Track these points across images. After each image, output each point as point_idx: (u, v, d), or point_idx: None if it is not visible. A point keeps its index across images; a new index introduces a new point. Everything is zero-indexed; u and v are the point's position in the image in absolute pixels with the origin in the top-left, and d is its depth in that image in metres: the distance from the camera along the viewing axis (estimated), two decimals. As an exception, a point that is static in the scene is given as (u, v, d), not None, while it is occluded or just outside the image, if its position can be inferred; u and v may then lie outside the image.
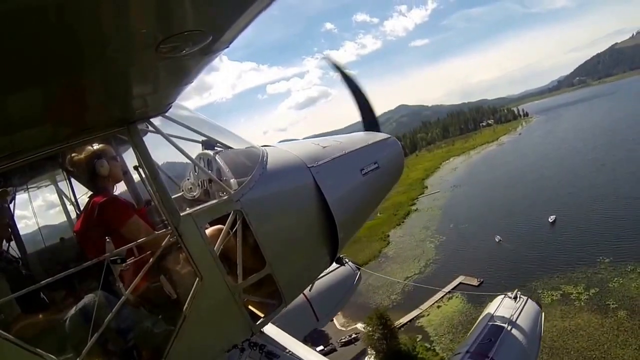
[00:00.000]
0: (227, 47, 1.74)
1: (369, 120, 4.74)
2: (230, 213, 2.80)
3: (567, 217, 40.29)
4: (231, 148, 3.29)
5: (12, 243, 3.10)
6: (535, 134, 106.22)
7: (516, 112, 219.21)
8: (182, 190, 3.42)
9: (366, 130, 4.62)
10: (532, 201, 48.15)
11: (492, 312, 5.28)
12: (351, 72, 4.87)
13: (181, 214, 2.56)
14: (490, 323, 5.03)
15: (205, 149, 3.31)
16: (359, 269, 6.76)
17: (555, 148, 71.53)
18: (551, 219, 40.14)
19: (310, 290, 5.31)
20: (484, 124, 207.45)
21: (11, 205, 3.19)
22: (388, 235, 59.92)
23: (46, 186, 3.72)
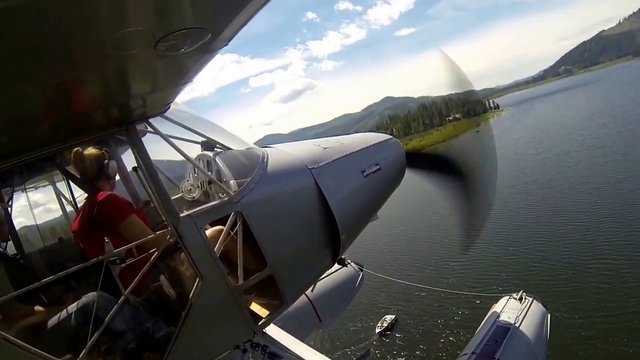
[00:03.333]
0: (226, 44, 1.72)
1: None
2: (230, 214, 2.79)
3: (417, 319, 14.72)
4: (231, 149, 3.28)
5: (10, 243, 3.12)
6: (493, 132, 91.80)
7: (488, 104, 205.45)
8: (182, 192, 3.41)
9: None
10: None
11: (497, 313, 5.24)
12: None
13: (181, 215, 2.55)
14: (496, 324, 4.99)
15: (205, 150, 3.31)
16: (361, 269, 6.72)
17: (499, 156, 46.41)
18: (382, 325, 14.72)
19: (312, 291, 5.30)
20: (450, 118, 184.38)
21: (9, 205, 3.20)
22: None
23: (44, 186, 3.73)
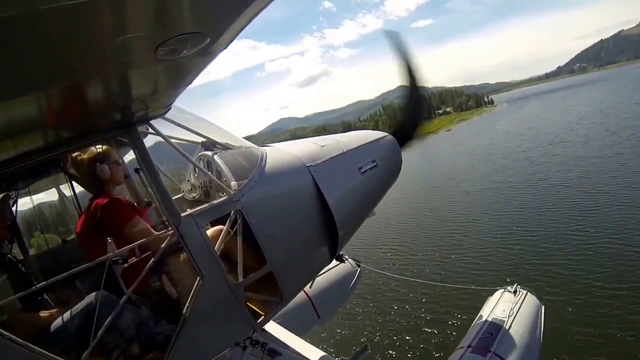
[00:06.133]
0: (225, 48, 1.76)
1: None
2: (230, 213, 2.83)
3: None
4: (230, 149, 3.32)
5: (15, 245, 3.14)
6: (459, 134, 71.93)
7: (482, 99, 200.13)
8: (183, 191, 3.44)
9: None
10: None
11: (492, 307, 5.33)
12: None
13: (182, 215, 2.59)
14: (491, 317, 5.08)
15: (205, 150, 3.34)
16: (359, 265, 6.80)
17: (426, 176, 33.53)
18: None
19: (310, 287, 5.36)
20: (440, 111, 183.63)
21: (13, 208, 3.23)
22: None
23: (48, 189, 3.75)
